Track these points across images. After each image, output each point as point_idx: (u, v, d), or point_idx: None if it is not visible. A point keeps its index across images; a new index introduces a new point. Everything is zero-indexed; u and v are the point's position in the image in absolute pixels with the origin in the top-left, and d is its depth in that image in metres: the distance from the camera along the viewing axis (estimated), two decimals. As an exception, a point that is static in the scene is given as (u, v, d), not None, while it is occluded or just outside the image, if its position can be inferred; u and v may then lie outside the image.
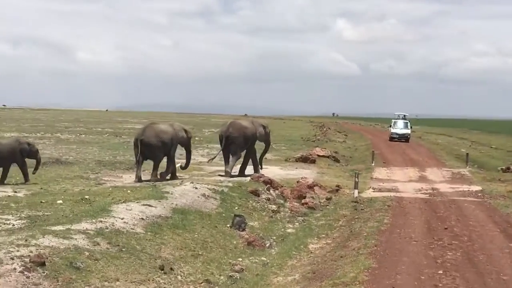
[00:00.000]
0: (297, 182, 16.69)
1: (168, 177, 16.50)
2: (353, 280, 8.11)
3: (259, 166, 18.88)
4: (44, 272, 7.12)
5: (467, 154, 26.65)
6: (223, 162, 18.43)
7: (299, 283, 8.61)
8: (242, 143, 18.12)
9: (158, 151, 16.37)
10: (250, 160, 18.73)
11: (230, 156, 18.06)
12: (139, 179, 15.83)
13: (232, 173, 17.72)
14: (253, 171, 18.20)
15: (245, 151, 18.64)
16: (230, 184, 14.73)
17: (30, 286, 6.74)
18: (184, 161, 17.76)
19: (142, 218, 10.27)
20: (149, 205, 11.15)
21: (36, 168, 15.30)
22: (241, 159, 18.62)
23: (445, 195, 16.50)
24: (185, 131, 17.48)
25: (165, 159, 16.82)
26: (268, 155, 24.40)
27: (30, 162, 15.31)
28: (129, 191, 12.84)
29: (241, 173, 18.24)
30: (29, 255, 7.38)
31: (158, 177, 16.26)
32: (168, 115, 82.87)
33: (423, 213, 13.56)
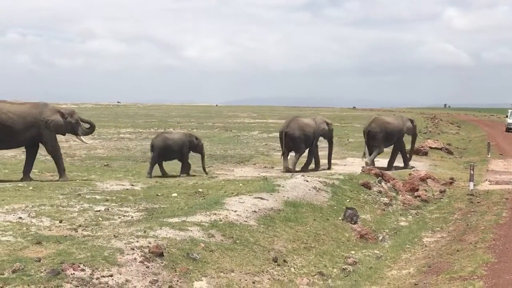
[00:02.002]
0: (409, 174, 16.38)
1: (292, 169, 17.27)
2: (471, 275, 7.87)
3: (408, 161, 19.33)
4: (162, 263, 7.35)
5: None
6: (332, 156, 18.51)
7: (414, 277, 8.45)
8: (383, 138, 18.46)
9: (301, 143, 17.41)
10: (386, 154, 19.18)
11: (372, 150, 18.57)
12: (287, 170, 17.05)
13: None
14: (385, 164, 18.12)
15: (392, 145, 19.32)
16: (341, 177, 14.63)
17: (150, 276, 6.97)
18: None
19: (255, 211, 10.37)
20: (261, 198, 11.25)
21: (203, 162, 16.55)
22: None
23: None
24: (327, 123, 18.30)
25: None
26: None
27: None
28: (241, 184, 13.02)
29: (389, 166, 18.75)
30: (148, 246, 7.64)
31: (291, 167, 17.26)
32: (277, 109, 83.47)
33: (544, 206, 12.98)
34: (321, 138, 18.73)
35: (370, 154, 18.27)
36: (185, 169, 15.97)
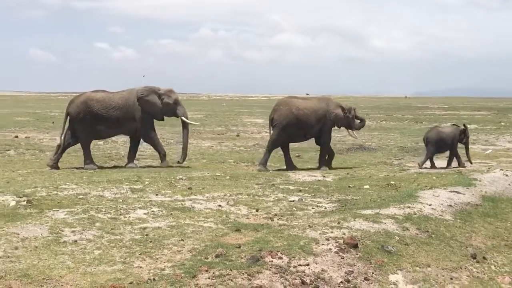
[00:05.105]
0: None
1: None
2: None
3: None
4: (357, 254, 7.35)
5: None
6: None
7: None
8: None
9: None
10: None
11: None
12: None
13: None
14: None
15: None
16: (545, 172, 13.72)
17: (345, 266, 7.01)
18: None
19: (450, 205, 10.04)
20: (457, 192, 10.86)
21: (467, 152, 16.52)
22: None
23: None
24: None
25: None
26: None
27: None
28: (434, 177, 12.67)
29: None
30: (342, 237, 7.68)
31: None
32: (469, 100, 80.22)
33: None
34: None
35: None
36: (455, 161, 16.28)
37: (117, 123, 15.31)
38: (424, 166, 15.62)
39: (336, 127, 16.28)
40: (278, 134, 15.36)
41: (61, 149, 15.31)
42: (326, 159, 15.81)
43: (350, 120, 16.08)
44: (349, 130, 16.53)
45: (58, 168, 14.85)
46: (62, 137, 15.47)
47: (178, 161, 15.92)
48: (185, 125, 16.22)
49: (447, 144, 16.20)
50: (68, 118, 15.46)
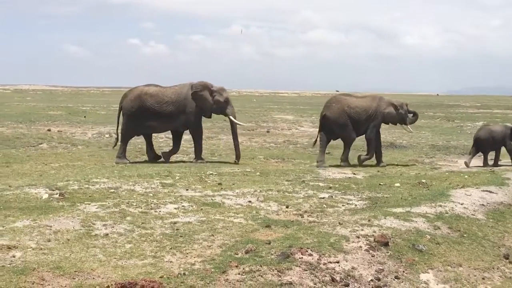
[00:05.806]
0: None
1: None
2: None
3: None
4: (388, 252, 7.30)
5: None
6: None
7: None
8: None
9: None
10: None
11: None
12: None
13: None
14: None
15: None
16: None
17: (376, 264, 6.96)
18: None
19: (483, 204, 9.94)
20: (489, 191, 10.74)
21: None
22: None
23: None
24: None
25: None
26: None
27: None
28: (466, 176, 12.54)
29: None
30: (373, 235, 7.63)
31: None
32: (503, 99, 79.18)
33: None
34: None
35: None
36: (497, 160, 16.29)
37: (170, 118, 15.44)
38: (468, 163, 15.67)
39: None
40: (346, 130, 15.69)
41: (148, 142, 16.02)
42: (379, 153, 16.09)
43: (403, 116, 16.40)
44: (404, 125, 16.83)
45: (159, 157, 15.82)
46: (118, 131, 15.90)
47: (235, 161, 15.87)
48: (233, 124, 16.30)
49: (497, 142, 16.16)
50: (121, 112, 15.65)
